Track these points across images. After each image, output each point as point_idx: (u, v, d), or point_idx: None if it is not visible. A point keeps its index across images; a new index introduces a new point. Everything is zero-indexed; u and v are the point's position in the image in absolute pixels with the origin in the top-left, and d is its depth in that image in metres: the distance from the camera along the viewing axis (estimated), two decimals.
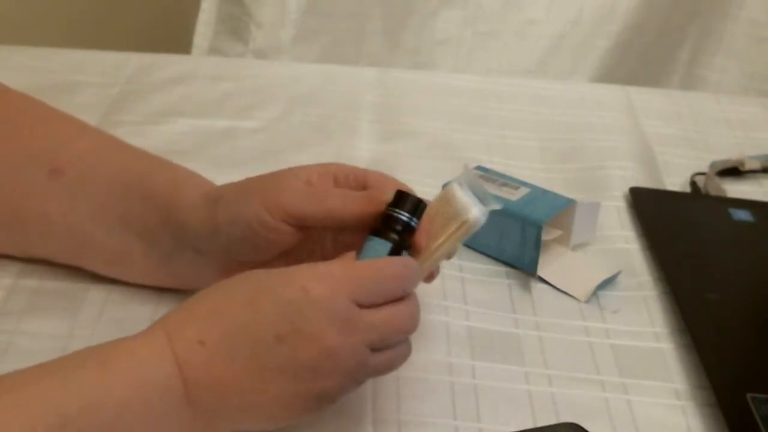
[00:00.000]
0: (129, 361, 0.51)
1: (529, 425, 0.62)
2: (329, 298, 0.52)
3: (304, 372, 0.52)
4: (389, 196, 0.59)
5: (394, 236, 0.58)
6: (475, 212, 0.58)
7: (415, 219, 0.58)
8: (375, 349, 0.54)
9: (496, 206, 0.59)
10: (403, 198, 0.59)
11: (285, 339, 0.52)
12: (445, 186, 0.79)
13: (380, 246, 0.58)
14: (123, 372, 0.51)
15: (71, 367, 0.51)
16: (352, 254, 0.57)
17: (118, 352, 0.52)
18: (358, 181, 0.61)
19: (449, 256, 0.62)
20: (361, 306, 0.53)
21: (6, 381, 0.49)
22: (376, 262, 0.56)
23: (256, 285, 0.53)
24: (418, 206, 0.59)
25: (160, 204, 0.65)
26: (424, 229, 0.59)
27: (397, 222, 0.58)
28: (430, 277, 0.62)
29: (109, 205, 0.66)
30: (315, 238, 0.63)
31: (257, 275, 0.54)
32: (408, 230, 0.58)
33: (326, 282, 0.53)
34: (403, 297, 0.55)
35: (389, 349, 0.55)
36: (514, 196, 0.77)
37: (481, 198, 0.60)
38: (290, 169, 0.62)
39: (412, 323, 0.56)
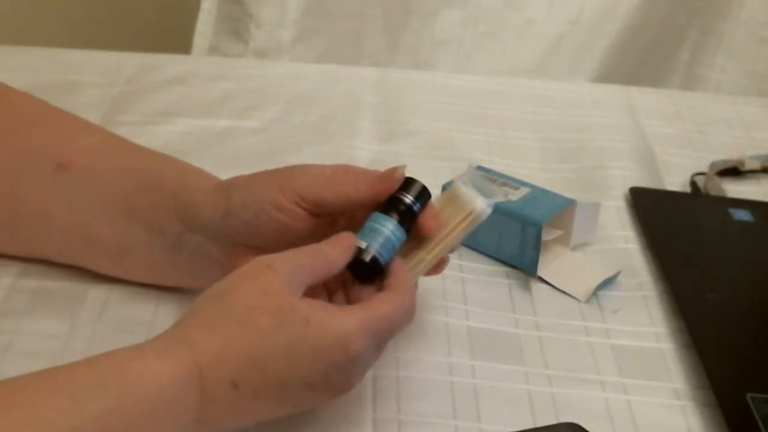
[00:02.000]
0: (150, 389, 0.50)
1: (529, 425, 0.62)
2: (363, 353, 0.54)
3: (317, 403, 0.57)
4: (400, 174, 0.61)
5: (397, 216, 0.59)
6: (480, 203, 0.60)
7: (418, 204, 0.60)
8: None
9: (501, 198, 0.61)
10: (409, 183, 0.61)
11: (315, 387, 0.54)
12: (445, 185, 0.79)
13: (384, 221, 0.59)
14: (143, 400, 0.50)
15: (88, 386, 0.49)
16: (348, 235, 0.59)
17: (138, 377, 0.50)
18: (374, 173, 0.62)
19: (453, 249, 0.63)
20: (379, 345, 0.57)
21: (17, 391, 0.48)
22: (402, 303, 0.57)
23: (296, 335, 0.53)
24: (423, 193, 0.61)
25: (169, 193, 0.65)
26: (432, 215, 0.61)
27: (401, 203, 0.60)
28: (440, 266, 0.63)
29: (114, 197, 0.66)
30: (326, 229, 0.63)
31: (293, 319, 0.53)
32: (410, 214, 0.60)
33: (363, 337, 0.54)
34: None
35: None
36: (514, 196, 0.77)
37: (485, 192, 0.61)
38: (303, 164, 0.63)
39: None
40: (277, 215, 0.60)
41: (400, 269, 0.59)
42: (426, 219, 0.61)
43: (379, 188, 0.60)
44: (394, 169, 0.61)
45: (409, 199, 0.60)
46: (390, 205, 0.60)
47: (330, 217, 0.63)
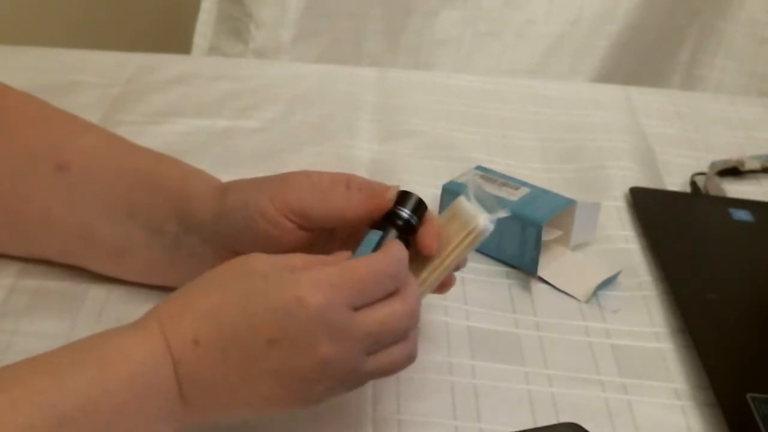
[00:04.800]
0: (127, 363, 0.51)
1: (529, 425, 0.62)
2: (324, 308, 0.52)
3: (294, 377, 0.53)
4: (392, 194, 0.60)
5: (395, 232, 0.59)
6: (482, 221, 0.59)
7: (415, 217, 0.59)
8: (372, 352, 0.54)
9: (503, 214, 0.60)
10: (405, 197, 0.60)
11: (276, 344, 0.52)
12: (446, 186, 0.79)
13: (378, 238, 0.58)
14: (121, 375, 0.50)
15: (68, 365, 0.50)
16: (346, 253, 0.57)
17: (116, 353, 0.51)
18: (370, 190, 0.61)
19: (458, 267, 0.62)
20: (356, 308, 0.53)
21: (1, 378, 0.49)
22: (369, 261, 0.55)
23: (251, 288, 0.53)
24: (419, 206, 0.60)
25: (169, 194, 0.65)
26: (432, 232, 0.59)
27: (398, 218, 0.59)
28: (443, 287, 0.62)
29: (115, 197, 0.67)
30: (321, 245, 0.63)
31: (253, 276, 0.53)
32: (408, 227, 0.59)
33: (322, 291, 0.52)
34: (397, 290, 0.55)
35: (386, 351, 0.55)
36: (514, 196, 0.77)
37: (488, 207, 0.60)
38: (303, 171, 0.62)
39: (408, 321, 0.55)
40: (265, 225, 0.60)
41: (389, 242, 0.57)
42: (425, 238, 0.59)
43: (371, 207, 0.60)
44: (386, 189, 0.60)
45: (406, 213, 0.59)
46: (387, 220, 0.59)
47: (326, 232, 0.62)
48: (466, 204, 0.60)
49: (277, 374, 0.52)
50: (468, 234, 0.59)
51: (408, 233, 0.59)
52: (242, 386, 0.53)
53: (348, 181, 0.61)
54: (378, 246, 0.58)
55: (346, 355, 0.53)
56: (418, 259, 0.60)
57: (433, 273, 0.60)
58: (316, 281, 0.52)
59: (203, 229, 0.63)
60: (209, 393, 0.53)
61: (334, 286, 0.52)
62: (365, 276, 0.54)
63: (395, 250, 0.56)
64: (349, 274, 0.53)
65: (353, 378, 0.55)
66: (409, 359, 0.57)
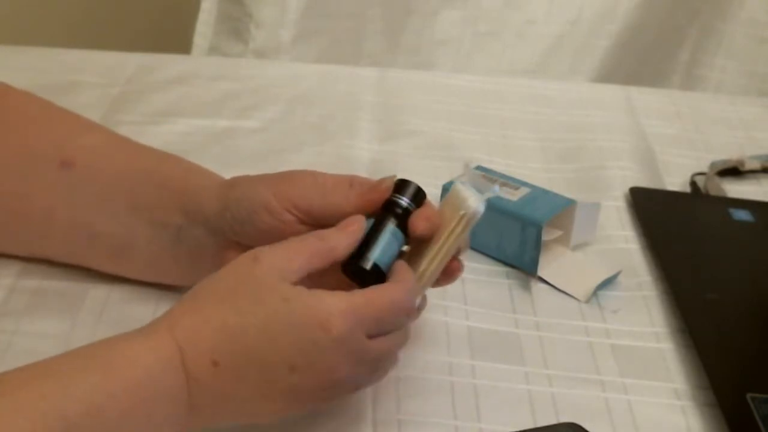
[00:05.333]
0: (135, 369, 0.51)
1: (529, 425, 0.62)
2: (348, 337, 0.53)
3: (306, 395, 0.55)
4: (388, 184, 0.60)
5: (394, 220, 0.59)
6: (472, 203, 0.59)
7: (413, 205, 0.60)
8: (371, 372, 0.57)
9: (492, 194, 0.60)
10: (404, 185, 0.60)
11: (297, 369, 0.53)
12: (446, 185, 0.79)
13: (381, 226, 0.59)
14: (128, 380, 0.50)
15: (73, 370, 0.50)
16: (360, 217, 0.58)
17: (123, 358, 0.51)
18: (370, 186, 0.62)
19: (459, 252, 0.62)
20: (370, 336, 0.55)
21: (5, 382, 0.49)
22: (391, 293, 0.56)
23: (272, 311, 0.53)
24: (418, 194, 0.60)
25: (173, 192, 0.65)
26: (423, 215, 0.60)
27: (397, 206, 0.59)
28: (451, 275, 0.62)
29: (118, 195, 0.67)
30: None
31: (271, 295, 0.53)
32: (407, 215, 0.60)
33: (347, 319, 0.53)
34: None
35: (381, 369, 0.58)
36: (514, 196, 0.77)
37: (482, 189, 0.60)
38: (308, 170, 0.63)
39: (402, 347, 0.59)
40: (268, 218, 0.60)
41: (400, 267, 0.58)
42: (416, 220, 0.60)
43: (370, 199, 0.60)
44: (383, 182, 0.61)
45: (404, 201, 0.60)
46: (386, 209, 0.60)
47: (329, 226, 0.63)
48: (460, 188, 0.60)
49: (291, 393, 0.54)
50: (461, 219, 0.59)
51: (407, 221, 0.60)
52: (254, 402, 0.54)
53: (351, 182, 0.61)
54: (372, 232, 0.58)
55: (356, 377, 0.56)
56: (418, 249, 0.60)
57: (432, 261, 0.60)
58: (344, 311, 0.53)
59: (208, 222, 0.64)
60: (220, 405, 0.54)
61: (357, 315, 0.54)
62: (387, 308, 0.55)
63: (408, 278, 0.58)
64: (372, 305, 0.55)
65: (351, 393, 0.58)
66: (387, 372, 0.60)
